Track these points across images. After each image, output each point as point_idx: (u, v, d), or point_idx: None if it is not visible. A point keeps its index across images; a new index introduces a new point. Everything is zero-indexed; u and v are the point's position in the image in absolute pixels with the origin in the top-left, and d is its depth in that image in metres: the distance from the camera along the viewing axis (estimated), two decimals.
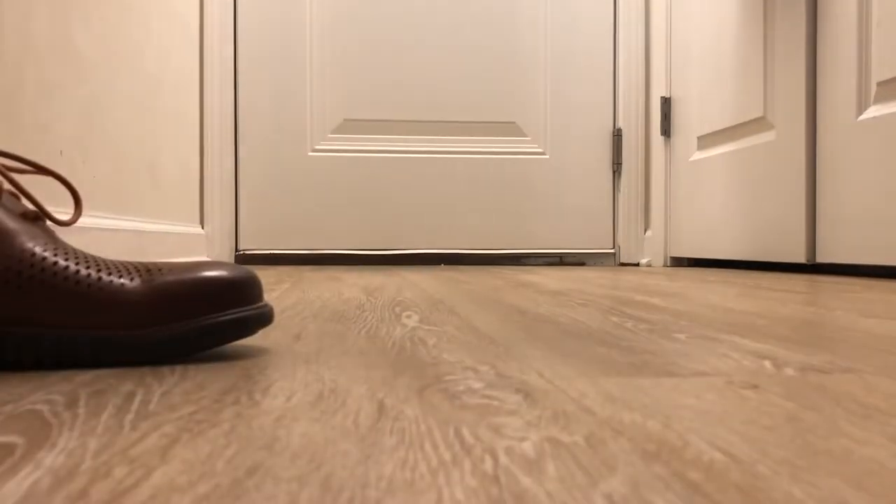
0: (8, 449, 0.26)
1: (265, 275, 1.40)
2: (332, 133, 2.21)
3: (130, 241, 1.36)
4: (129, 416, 0.30)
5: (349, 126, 2.21)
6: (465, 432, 0.28)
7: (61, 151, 1.08)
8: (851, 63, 1.36)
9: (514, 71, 2.24)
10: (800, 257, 1.49)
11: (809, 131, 1.47)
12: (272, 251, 2.18)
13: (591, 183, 2.24)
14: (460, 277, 1.33)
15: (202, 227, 2.11)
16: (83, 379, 0.38)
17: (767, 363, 0.42)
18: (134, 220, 1.44)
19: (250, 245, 2.18)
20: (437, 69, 2.22)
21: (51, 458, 0.25)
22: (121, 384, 0.37)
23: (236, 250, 2.18)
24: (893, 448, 0.26)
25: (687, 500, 0.21)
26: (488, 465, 0.24)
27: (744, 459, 0.25)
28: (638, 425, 0.29)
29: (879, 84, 1.30)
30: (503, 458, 0.25)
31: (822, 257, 1.45)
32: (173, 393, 0.35)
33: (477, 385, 0.36)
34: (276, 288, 1.03)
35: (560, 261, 2.25)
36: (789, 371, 0.40)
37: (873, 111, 1.32)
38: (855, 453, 0.25)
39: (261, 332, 0.56)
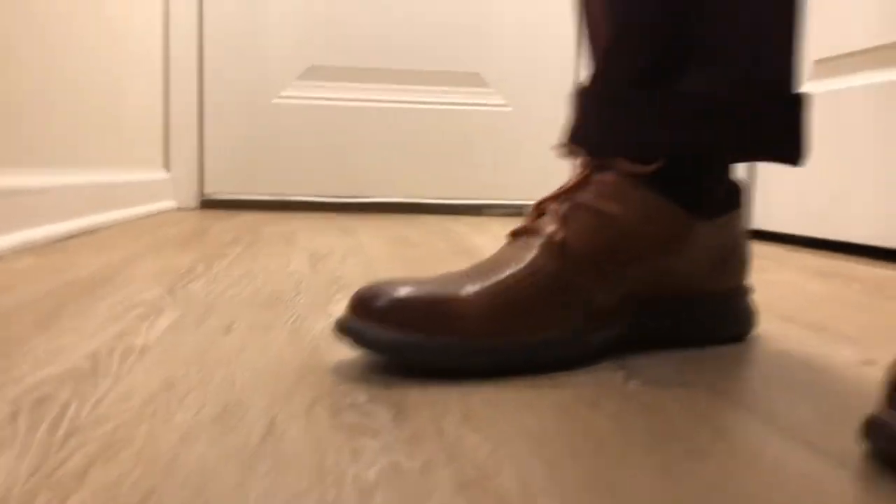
0: None
1: (222, 230, 1.46)
2: (297, 79, 2.23)
3: (93, 195, 1.41)
4: (61, 433, 0.37)
5: (315, 72, 2.23)
6: (328, 459, 0.35)
7: (19, 105, 1.12)
8: None
9: (481, 23, 2.26)
10: None
11: None
12: (238, 197, 2.23)
13: (553, 137, 2.29)
14: (412, 238, 1.40)
15: (167, 171, 2.14)
16: (29, 383, 0.45)
17: None
18: (96, 174, 1.48)
19: (216, 190, 2.22)
20: (405, 19, 2.24)
21: None
22: (59, 391, 0.43)
23: (202, 195, 2.22)
24: None
25: None
26: (331, 496, 0.31)
27: None
28: None
29: (817, 62, 1.36)
30: (347, 489, 0.32)
31: (757, 224, 1.52)
32: (103, 403, 0.42)
33: (361, 398, 0.43)
34: (227, 253, 1.09)
35: (519, 212, 2.32)
36: None
37: (809, 87, 1.38)
38: None
39: (200, 320, 0.63)
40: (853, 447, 0.38)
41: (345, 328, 0.48)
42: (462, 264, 1.03)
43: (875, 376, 0.51)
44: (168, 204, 2.08)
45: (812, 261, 1.18)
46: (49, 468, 0.33)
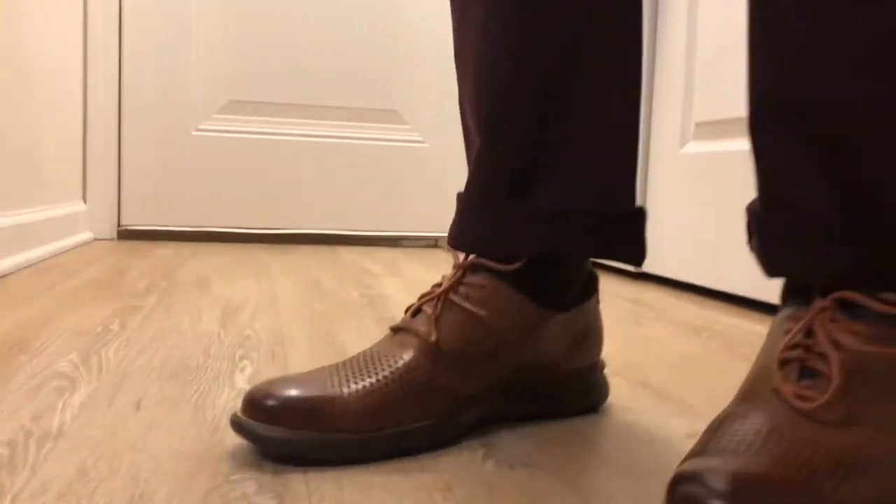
0: None
1: (138, 274, 1.50)
2: (216, 113, 2.27)
3: (9, 236, 1.43)
4: None
5: (234, 107, 2.27)
6: None
7: None
8: (679, 100, 1.54)
9: (398, 59, 2.35)
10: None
11: (644, 157, 1.65)
12: (156, 228, 2.25)
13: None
14: (325, 284, 1.47)
15: (85, 203, 2.16)
16: None
17: None
18: (13, 214, 1.50)
19: (134, 221, 2.24)
20: (323, 54, 2.31)
21: None
22: None
23: (119, 226, 2.23)
24: None
25: None
26: None
27: None
28: None
29: (698, 124, 1.49)
30: None
31: (648, 268, 1.65)
32: (21, 496, 0.48)
33: (251, 489, 0.50)
34: (142, 305, 1.14)
35: (435, 244, 2.41)
36: None
37: (692, 147, 1.51)
38: None
39: (112, 395, 0.69)
40: None
41: (239, 426, 0.55)
42: (371, 320, 1.11)
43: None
44: (85, 236, 2.10)
45: (689, 311, 1.30)
46: None
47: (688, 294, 1.49)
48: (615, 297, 1.41)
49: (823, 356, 0.46)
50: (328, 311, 1.16)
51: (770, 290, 1.26)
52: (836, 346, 0.46)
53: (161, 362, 0.82)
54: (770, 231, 0.52)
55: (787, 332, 0.48)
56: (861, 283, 0.47)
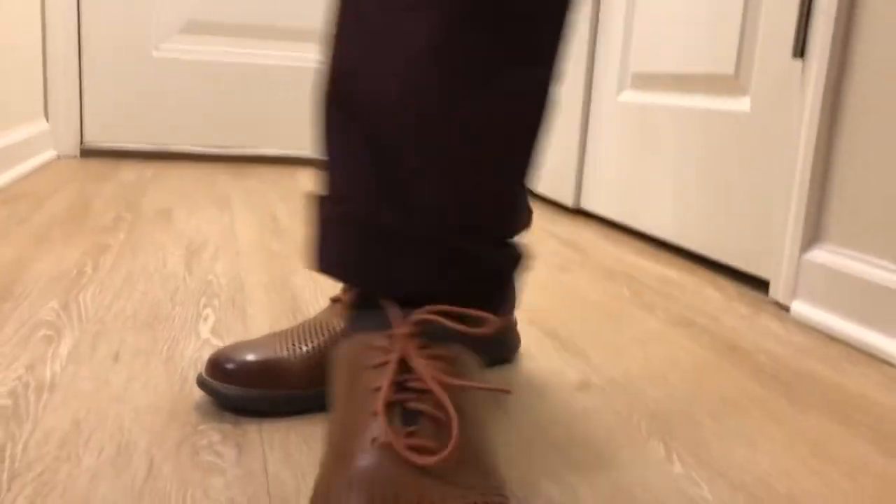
0: None
1: (104, 205, 1.58)
2: (177, 34, 2.30)
3: None
4: (5, 476, 0.55)
5: (194, 27, 2.30)
6: (189, 495, 0.55)
7: None
8: (618, 49, 1.64)
9: None
10: (569, 201, 1.82)
11: (586, 101, 1.75)
12: (118, 146, 2.31)
13: None
14: (282, 220, 1.57)
15: (47, 121, 2.20)
16: None
17: None
18: None
19: (96, 139, 2.30)
20: None
21: None
22: None
23: (82, 144, 2.28)
24: None
25: None
26: None
27: None
28: None
29: (634, 74, 1.59)
30: None
31: (585, 206, 1.77)
32: (30, 446, 0.60)
33: (215, 438, 0.63)
34: (111, 244, 1.24)
35: None
36: None
37: (628, 95, 1.61)
38: None
39: (93, 346, 0.80)
40: (533, 478, 0.60)
41: (203, 385, 0.67)
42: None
43: (582, 401, 0.75)
44: (49, 154, 2.15)
45: (613, 255, 1.44)
46: None
47: (617, 234, 1.63)
48: (551, 238, 1.54)
49: (424, 393, 0.46)
50: (284, 253, 1.27)
51: (690, 236, 1.40)
52: (441, 384, 0.45)
53: (133, 311, 0.93)
54: (333, 230, 0.52)
55: (375, 367, 0.47)
56: (427, 296, 0.49)
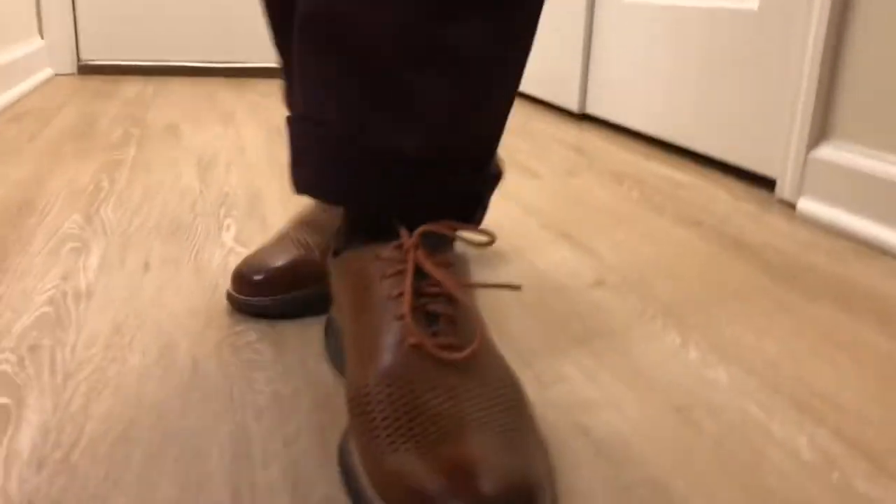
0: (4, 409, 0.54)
1: (110, 122, 1.58)
2: None
3: None
4: (59, 377, 0.58)
5: None
6: (235, 389, 0.58)
7: None
8: None
9: None
10: (574, 106, 1.81)
11: (590, 3, 1.73)
12: (115, 62, 2.28)
13: None
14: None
15: (42, 38, 2.17)
16: (16, 333, 0.65)
17: None
18: None
19: (93, 56, 2.27)
20: None
21: (35, 416, 0.53)
22: (42, 339, 0.64)
23: (79, 60, 2.26)
24: None
25: None
26: (238, 416, 0.54)
27: None
28: None
29: None
30: (248, 410, 0.55)
31: (591, 110, 1.77)
32: (77, 349, 0.63)
33: (252, 337, 0.66)
34: (123, 159, 1.25)
35: None
36: None
37: None
38: None
39: (121, 258, 0.83)
40: (557, 369, 0.64)
41: (232, 300, 0.69)
42: None
43: (598, 297, 0.78)
44: (46, 72, 2.13)
45: (619, 158, 1.45)
46: (63, 405, 0.54)
47: (623, 138, 1.63)
48: (559, 144, 1.55)
49: (439, 297, 0.49)
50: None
51: (697, 137, 1.41)
52: (455, 286, 0.48)
53: (155, 223, 0.95)
54: (320, 153, 0.53)
55: (391, 276, 0.50)
56: (419, 216, 0.52)
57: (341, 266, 0.55)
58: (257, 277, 0.68)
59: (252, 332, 0.67)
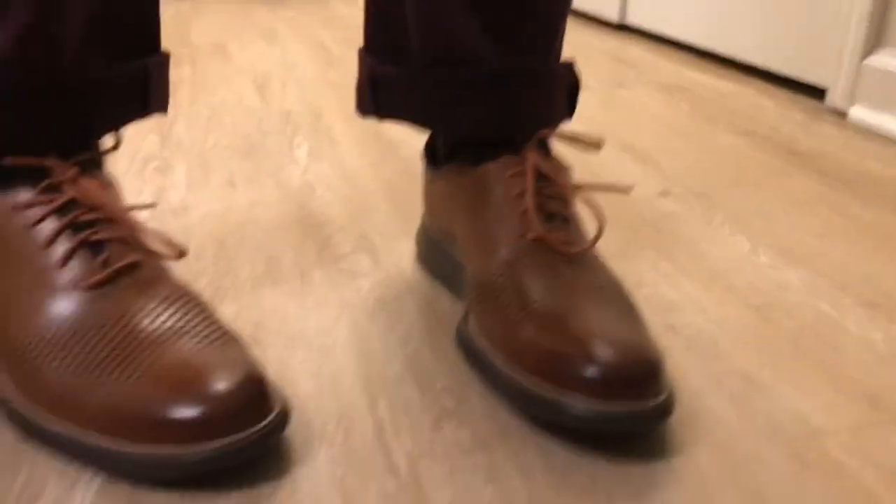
0: None
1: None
2: None
3: None
4: None
5: None
6: (343, 294, 0.62)
7: None
8: None
9: None
10: (614, 16, 1.81)
11: None
12: None
13: None
14: (331, 48, 1.58)
15: None
16: None
17: None
18: None
19: None
20: None
21: None
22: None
23: None
24: None
25: None
26: (348, 316, 0.59)
27: None
28: None
29: None
30: (357, 312, 0.60)
31: (630, 20, 1.77)
32: (188, 259, 0.67)
33: (348, 248, 0.70)
34: (182, 78, 1.28)
35: None
36: None
37: None
38: None
39: (205, 175, 0.86)
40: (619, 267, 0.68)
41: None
42: None
43: (666, 206, 0.81)
44: None
45: (665, 70, 1.45)
46: None
47: (665, 48, 1.63)
48: (599, 54, 1.55)
49: (555, 198, 0.53)
50: (344, 82, 1.30)
51: (742, 46, 1.41)
52: (570, 188, 0.53)
53: (228, 142, 0.99)
54: (442, 85, 0.55)
55: (511, 178, 0.54)
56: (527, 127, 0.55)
57: (451, 174, 0.58)
58: None
59: (347, 244, 0.71)
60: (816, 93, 1.25)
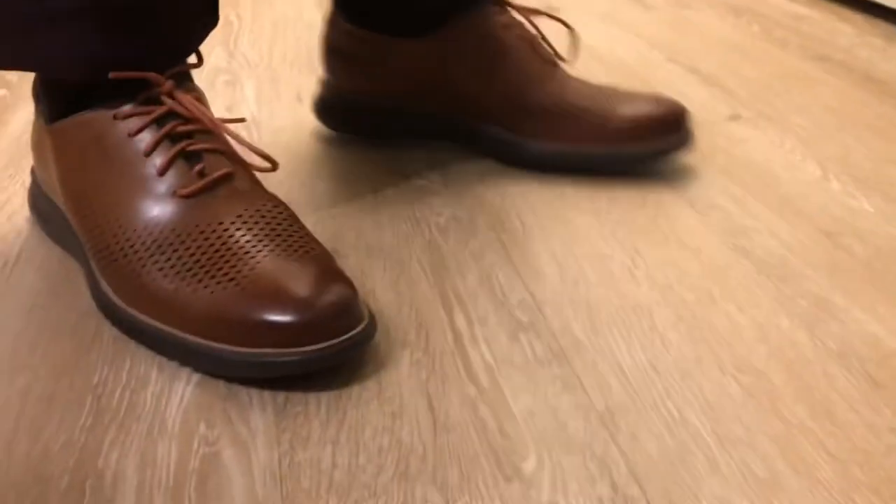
0: None
1: None
2: None
3: None
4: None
5: None
6: (416, 211, 0.64)
7: None
8: None
9: None
10: None
11: None
12: None
13: None
14: None
15: None
16: None
17: None
18: None
19: None
20: None
21: None
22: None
23: None
24: None
25: None
26: (426, 234, 0.60)
27: None
28: None
29: None
30: (433, 229, 0.61)
31: None
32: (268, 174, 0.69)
33: (421, 167, 0.71)
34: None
35: None
36: None
37: None
38: None
39: (275, 90, 0.87)
40: (699, 193, 0.68)
41: None
42: None
43: (736, 131, 0.80)
44: None
45: None
46: None
47: None
48: None
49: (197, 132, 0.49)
50: None
51: None
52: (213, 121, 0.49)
53: (294, 57, 0.99)
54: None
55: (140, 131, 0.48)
56: None
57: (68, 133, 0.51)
58: None
59: (419, 162, 0.72)
60: (893, 16, 1.21)
